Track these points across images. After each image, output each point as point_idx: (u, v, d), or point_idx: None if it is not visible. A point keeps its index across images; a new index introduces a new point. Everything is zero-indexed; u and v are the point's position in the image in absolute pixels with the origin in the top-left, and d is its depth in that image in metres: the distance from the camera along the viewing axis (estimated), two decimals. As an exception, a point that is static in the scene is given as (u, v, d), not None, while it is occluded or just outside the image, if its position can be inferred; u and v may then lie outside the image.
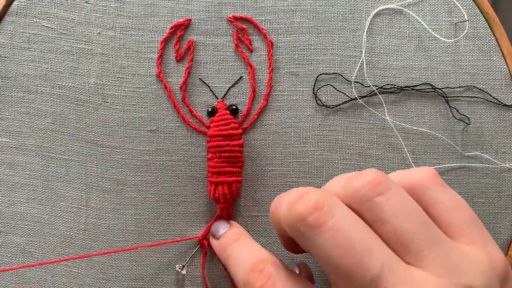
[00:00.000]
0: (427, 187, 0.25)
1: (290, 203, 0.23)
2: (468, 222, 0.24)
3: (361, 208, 0.23)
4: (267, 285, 0.24)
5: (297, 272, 0.30)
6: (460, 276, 0.22)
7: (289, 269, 0.25)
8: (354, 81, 0.34)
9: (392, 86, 0.34)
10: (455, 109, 0.34)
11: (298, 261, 0.33)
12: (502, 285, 0.22)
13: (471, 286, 0.21)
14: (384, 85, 0.34)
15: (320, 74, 0.34)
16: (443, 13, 0.34)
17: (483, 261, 0.23)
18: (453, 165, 0.34)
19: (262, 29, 0.34)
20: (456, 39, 0.34)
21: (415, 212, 0.23)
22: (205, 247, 0.33)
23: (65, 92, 0.34)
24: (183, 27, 0.34)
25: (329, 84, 0.34)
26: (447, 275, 0.21)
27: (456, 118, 0.34)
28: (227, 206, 0.33)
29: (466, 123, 0.34)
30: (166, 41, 0.34)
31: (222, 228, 0.32)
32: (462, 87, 0.34)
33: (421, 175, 0.25)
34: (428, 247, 0.22)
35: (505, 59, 0.34)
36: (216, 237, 0.32)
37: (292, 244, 0.27)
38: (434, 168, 0.26)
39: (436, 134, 0.34)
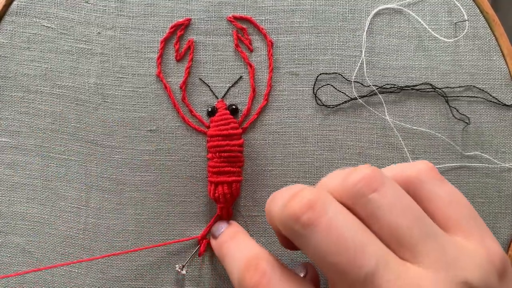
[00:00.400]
0: (424, 180, 0.25)
1: (284, 201, 0.23)
2: (465, 216, 0.24)
3: (355, 205, 0.23)
4: (262, 282, 0.24)
5: (303, 273, 0.30)
6: (457, 270, 0.21)
7: (286, 266, 0.25)
8: (354, 81, 0.34)
9: (392, 86, 0.34)
10: (455, 108, 0.34)
11: (302, 261, 0.33)
12: (500, 279, 0.22)
13: (468, 280, 0.21)
14: (384, 85, 0.34)
15: (320, 74, 0.34)
16: (443, 13, 0.34)
17: (481, 255, 0.23)
18: (453, 164, 0.34)
19: (262, 29, 0.34)
20: (456, 38, 0.34)
21: (409, 207, 0.23)
22: (203, 246, 0.33)
23: (65, 92, 0.33)
24: (183, 27, 0.34)
25: (329, 84, 0.34)
26: (443, 269, 0.21)
27: (456, 117, 0.34)
28: (227, 206, 0.33)
29: (466, 122, 0.34)
30: (166, 41, 0.34)
31: (221, 228, 0.32)
32: (462, 86, 0.34)
33: (418, 168, 0.25)
34: (422, 241, 0.22)
35: (505, 59, 0.34)
36: (215, 237, 0.32)
37: (289, 241, 0.27)
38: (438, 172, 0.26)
39: (436, 133, 0.34)
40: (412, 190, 0.24)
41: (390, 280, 0.21)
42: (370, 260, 0.21)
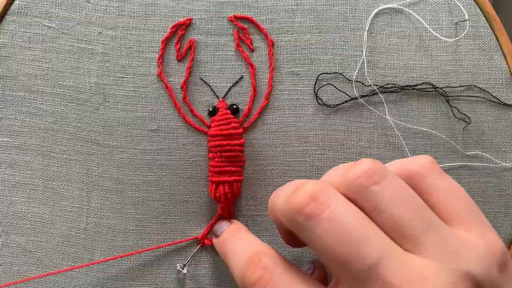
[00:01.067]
0: (425, 174, 0.25)
1: (287, 194, 0.23)
2: (466, 209, 0.24)
3: (358, 198, 0.23)
4: (264, 277, 0.24)
5: (310, 270, 0.30)
6: (459, 262, 0.22)
7: (289, 262, 0.25)
8: (355, 81, 0.34)
9: (392, 86, 0.34)
10: (456, 108, 0.34)
11: (309, 259, 0.33)
12: (501, 271, 0.23)
13: (470, 271, 0.22)
14: (384, 85, 0.34)
15: (321, 74, 0.34)
16: (444, 13, 0.34)
17: (482, 247, 0.23)
18: (454, 164, 0.34)
19: (263, 28, 0.34)
20: (456, 38, 0.34)
21: (412, 199, 0.23)
22: (204, 246, 0.33)
23: (66, 92, 0.34)
24: (184, 26, 0.34)
25: (330, 84, 0.34)
26: (445, 261, 0.22)
27: (456, 117, 0.34)
28: (228, 206, 0.33)
29: (467, 122, 0.34)
30: (167, 41, 0.34)
31: (223, 226, 0.32)
32: (462, 86, 0.34)
33: (419, 163, 0.25)
34: (425, 233, 0.22)
35: (505, 58, 0.34)
36: (217, 236, 0.32)
37: (291, 238, 0.27)
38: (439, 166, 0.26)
39: (437, 133, 0.34)
40: (414, 184, 0.24)
41: (394, 270, 0.21)
42: (373, 251, 0.21)
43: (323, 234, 0.21)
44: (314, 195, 0.22)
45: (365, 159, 0.24)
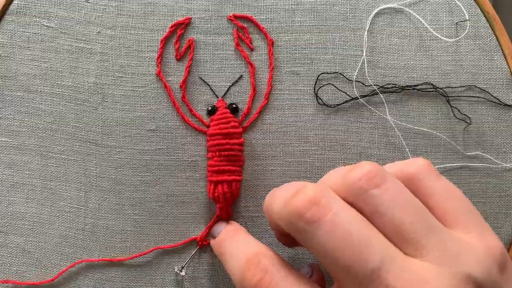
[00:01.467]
0: (422, 177, 0.25)
1: (286, 198, 0.23)
2: (463, 211, 0.24)
3: (358, 201, 0.23)
4: (264, 280, 0.23)
5: (309, 273, 0.30)
6: (460, 265, 0.22)
7: (288, 263, 0.25)
8: (355, 80, 0.34)
9: (393, 86, 0.34)
10: (456, 108, 0.34)
11: (307, 263, 0.33)
12: (500, 272, 0.23)
13: (471, 274, 0.21)
14: (385, 85, 0.34)
15: (321, 73, 0.34)
16: (444, 13, 0.34)
17: (481, 249, 0.23)
18: (454, 164, 0.34)
19: (263, 27, 0.34)
20: (457, 38, 0.34)
21: (411, 202, 0.23)
22: (202, 248, 0.33)
23: (64, 91, 0.33)
24: (183, 26, 0.34)
25: (330, 83, 0.34)
26: (446, 264, 0.22)
27: (457, 117, 0.34)
28: (226, 206, 0.33)
29: (467, 122, 0.34)
30: (166, 40, 0.34)
31: (221, 227, 0.32)
32: (463, 86, 0.34)
33: (416, 165, 0.25)
34: (425, 236, 0.22)
35: (506, 59, 0.34)
36: (214, 237, 0.32)
37: (286, 238, 0.27)
38: (435, 168, 0.26)
39: (437, 133, 0.34)
40: (411, 187, 0.24)
41: (396, 274, 0.21)
42: (375, 255, 0.21)
43: (324, 239, 0.21)
44: (315, 199, 0.22)
45: (364, 162, 0.24)
